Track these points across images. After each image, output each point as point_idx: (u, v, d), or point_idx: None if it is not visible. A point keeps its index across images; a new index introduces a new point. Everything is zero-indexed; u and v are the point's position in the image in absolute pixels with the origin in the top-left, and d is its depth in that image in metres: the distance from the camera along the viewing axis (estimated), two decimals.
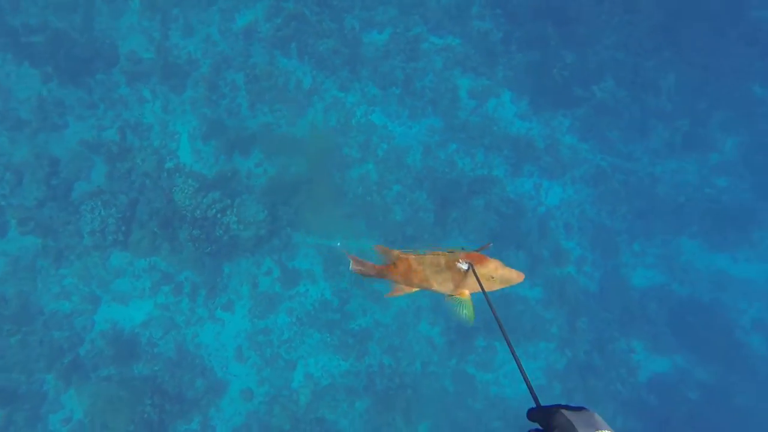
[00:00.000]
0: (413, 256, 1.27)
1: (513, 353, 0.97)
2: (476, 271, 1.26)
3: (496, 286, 1.29)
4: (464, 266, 1.26)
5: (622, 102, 5.52)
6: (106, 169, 4.53)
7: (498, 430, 4.68)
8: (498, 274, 1.28)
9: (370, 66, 5.41)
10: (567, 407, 0.88)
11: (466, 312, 1.27)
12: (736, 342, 5.37)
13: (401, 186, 5.09)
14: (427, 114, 5.44)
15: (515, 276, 1.27)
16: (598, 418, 0.86)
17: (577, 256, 5.31)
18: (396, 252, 1.29)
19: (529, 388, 0.92)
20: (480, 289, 1.26)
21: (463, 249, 1.29)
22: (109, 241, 4.33)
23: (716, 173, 5.76)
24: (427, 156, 5.28)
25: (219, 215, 4.38)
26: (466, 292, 1.30)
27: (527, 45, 5.43)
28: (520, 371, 0.94)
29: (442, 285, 1.31)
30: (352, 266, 1.31)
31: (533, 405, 0.90)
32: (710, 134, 5.76)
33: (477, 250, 1.29)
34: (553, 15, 5.46)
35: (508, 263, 1.31)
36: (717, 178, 5.77)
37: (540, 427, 0.89)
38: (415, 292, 1.39)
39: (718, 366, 5.26)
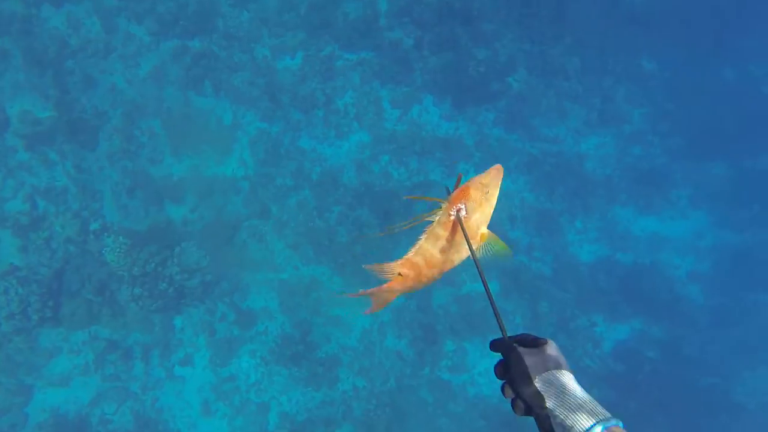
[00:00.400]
0: (411, 255, 1.14)
1: (483, 281, 0.95)
2: (469, 205, 1.13)
3: (495, 192, 1.17)
4: (456, 213, 1.12)
5: (537, 89, 5.82)
6: (19, 242, 4.20)
7: (482, 429, 4.71)
8: (485, 185, 1.17)
9: (288, 92, 5.39)
10: (526, 341, 0.89)
11: (498, 247, 1.15)
12: (677, 296, 5.73)
13: (341, 206, 5.07)
14: (353, 130, 5.47)
15: (495, 173, 1.18)
16: (552, 354, 0.88)
17: (526, 243, 5.49)
18: (392, 264, 1.14)
19: (497, 318, 0.91)
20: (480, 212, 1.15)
21: (442, 198, 1.16)
22: (35, 321, 4.00)
23: (631, 143, 6.16)
24: (362, 172, 5.30)
25: (159, 268, 4.16)
26: (483, 230, 1.16)
27: (439, 47, 5.61)
28: (488, 295, 0.92)
29: (460, 250, 1.15)
30: (372, 308, 1.17)
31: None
32: (619, 108, 6.17)
33: (455, 189, 1.17)
34: (458, 16, 5.68)
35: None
36: (632, 147, 6.18)
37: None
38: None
39: (667, 322, 5.59)
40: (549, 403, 0.84)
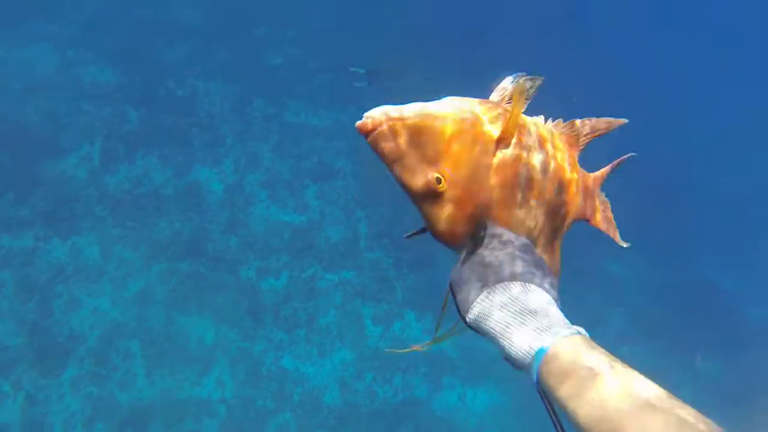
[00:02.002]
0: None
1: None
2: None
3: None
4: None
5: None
6: None
7: None
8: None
9: (271, 312, 5.63)
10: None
11: None
12: None
13: (324, 430, 4.91)
14: (336, 348, 5.58)
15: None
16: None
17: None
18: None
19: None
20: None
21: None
22: None
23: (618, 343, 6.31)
24: (345, 391, 5.26)
25: None
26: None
27: (417, 265, 6.10)
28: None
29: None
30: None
31: None
32: (597, 311, 6.49)
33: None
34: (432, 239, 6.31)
35: None
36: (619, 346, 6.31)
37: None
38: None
39: None
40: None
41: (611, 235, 0.86)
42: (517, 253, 0.68)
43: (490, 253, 0.69)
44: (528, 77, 0.70)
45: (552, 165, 0.73)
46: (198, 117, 6.97)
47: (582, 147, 0.79)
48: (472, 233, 0.71)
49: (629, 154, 0.88)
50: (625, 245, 0.87)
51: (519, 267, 0.67)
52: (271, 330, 5.48)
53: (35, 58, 6.74)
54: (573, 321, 0.66)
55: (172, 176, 6.30)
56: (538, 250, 0.75)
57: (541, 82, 0.70)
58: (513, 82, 0.73)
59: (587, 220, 0.85)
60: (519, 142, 0.70)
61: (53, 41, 6.96)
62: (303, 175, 6.69)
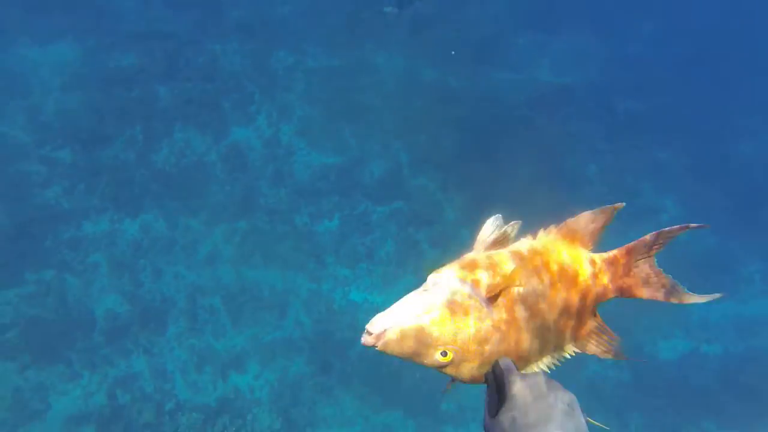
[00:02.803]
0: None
1: None
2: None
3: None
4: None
5: (562, 201, 6.36)
6: None
7: None
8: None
9: (332, 252, 6.04)
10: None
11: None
12: None
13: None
14: (399, 276, 5.97)
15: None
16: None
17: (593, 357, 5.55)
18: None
19: None
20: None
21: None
22: None
23: None
24: None
25: None
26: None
27: (463, 185, 6.34)
28: None
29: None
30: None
31: None
32: (649, 200, 6.59)
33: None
34: (475, 153, 6.51)
35: None
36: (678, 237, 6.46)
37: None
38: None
39: None
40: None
41: (678, 300, 0.90)
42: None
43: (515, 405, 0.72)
44: (511, 223, 0.84)
45: (545, 289, 0.80)
46: (223, 80, 7.22)
47: (590, 240, 0.85)
48: (493, 370, 0.78)
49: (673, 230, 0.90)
50: (707, 299, 0.91)
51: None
52: (335, 268, 5.91)
53: (62, 51, 7.08)
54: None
55: (212, 142, 6.65)
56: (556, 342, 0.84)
57: (519, 225, 0.84)
58: (493, 230, 0.85)
59: (631, 296, 0.89)
60: (509, 293, 0.78)
61: (73, 33, 7.26)
62: (335, 116, 6.91)
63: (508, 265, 0.80)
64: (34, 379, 4.83)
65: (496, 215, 0.88)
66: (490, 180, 6.55)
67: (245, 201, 6.21)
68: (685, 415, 5.23)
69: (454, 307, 0.77)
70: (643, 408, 5.17)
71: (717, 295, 0.90)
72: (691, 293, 0.92)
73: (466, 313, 0.77)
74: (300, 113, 6.93)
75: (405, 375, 5.15)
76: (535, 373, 0.74)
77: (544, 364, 0.83)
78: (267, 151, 6.60)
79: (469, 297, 0.78)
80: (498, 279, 0.78)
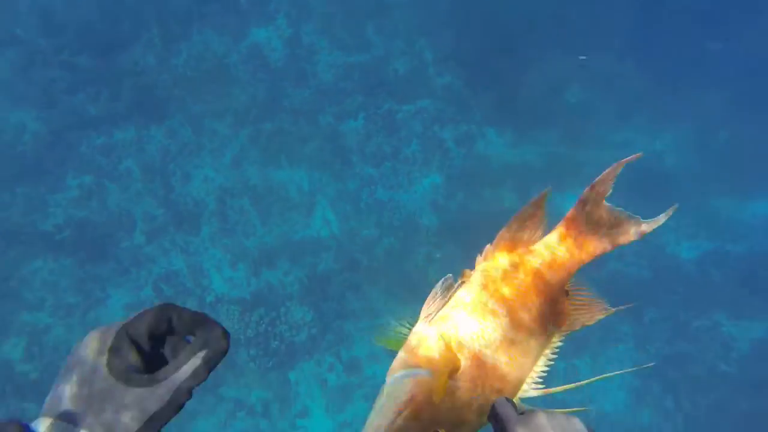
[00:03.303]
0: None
1: None
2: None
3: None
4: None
5: (595, 99, 6.23)
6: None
7: None
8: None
9: (357, 151, 6.11)
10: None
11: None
12: None
13: (426, 246, 5.57)
14: (424, 174, 6.05)
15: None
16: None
17: (615, 251, 5.66)
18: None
19: None
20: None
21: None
22: None
23: (713, 128, 6.30)
24: (440, 211, 5.81)
25: (270, 328, 4.79)
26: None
27: (489, 81, 6.21)
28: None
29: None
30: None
31: None
32: (689, 95, 6.39)
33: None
34: (498, 49, 6.32)
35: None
36: (716, 132, 6.31)
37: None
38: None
39: None
40: None
41: (640, 233, 0.90)
42: None
43: None
44: (459, 280, 0.82)
45: (505, 321, 0.78)
46: None
47: (534, 237, 0.84)
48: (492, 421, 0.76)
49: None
50: (665, 218, 0.89)
51: None
52: (361, 167, 6.01)
53: None
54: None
55: (232, 44, 6.57)
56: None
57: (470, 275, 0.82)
58: (441, 290, 0.82)
59: (598, 256, 0.89)
60: (469, 363, 0.76)
61: None
62: (357, 13, 6.70)
63: (456, 327, 0.78)
64: (92, 272, 5.26)
65: (446, 277, 0.83)
66: (516, 77, 6.40)
67: (269, 102, 6.24)
68: (699, 308, 5.40)
69: (417, 400, 0.73)
70: (658, 303, 5.35)
71: (673, 208, 0.87)
72: (651, 220, 0.89)
73: (431, 396, 0.73)
74: (320, 10, 6.72)
75: (430, 271, 5.38)
76: (534, 414, 0.69)
77: (540, 368, 0.81)
78: (288, 50, 6.51)
79: (429, 379, 0.74)
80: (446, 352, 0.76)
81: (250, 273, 5.34)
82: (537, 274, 0.83)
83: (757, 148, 6.08)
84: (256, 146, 6.00)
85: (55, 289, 5.15)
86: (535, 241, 0.86)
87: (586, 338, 5.09)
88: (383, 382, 0.76)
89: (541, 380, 0.82)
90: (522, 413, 0.70)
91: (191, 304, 5.04)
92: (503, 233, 0.85)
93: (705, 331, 5.38)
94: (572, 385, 0.81)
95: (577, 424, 0.69)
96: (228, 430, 4.74)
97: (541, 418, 0.68)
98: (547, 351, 0.83)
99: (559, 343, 0.84)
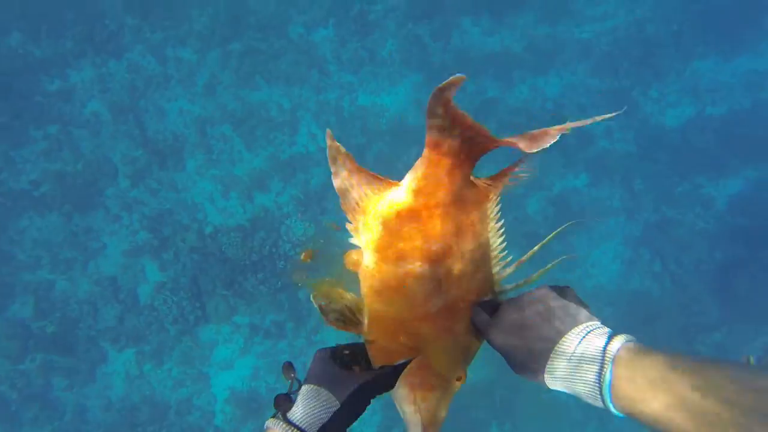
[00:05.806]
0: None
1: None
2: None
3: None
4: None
5: None
6: (157, 263, 5.15)
7: (611, 316, 5.12)
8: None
9: (333, 60, 5.99)
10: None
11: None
12: None
13: (416, 146, 5.62)
14: (405, 74, 5.99)
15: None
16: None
17: (603, 129, 5.78)
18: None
19: None
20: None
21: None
22: (192, 322, 4.93)
23: None
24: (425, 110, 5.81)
25: (274, 249, 4.95)
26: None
27: None
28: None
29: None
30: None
31: None
32: None
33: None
34: None
35: None
36: None
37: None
38: None
39: None
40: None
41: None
42: None
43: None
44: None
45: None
46: None
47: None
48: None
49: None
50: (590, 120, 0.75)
51: None
52: (339, 76, 5.92)
53: None
54: None
55: None
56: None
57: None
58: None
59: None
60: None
61: None
62: None
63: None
64: (81, 224, 5.30)
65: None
66: None
67: (233, 20, 6.01)
68: (681, 174, 5.61)
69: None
70: (644, 173, 5.54)
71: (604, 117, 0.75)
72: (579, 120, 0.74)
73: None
74: None
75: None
76: (503, 312, 0.75)
77: (496, 244, 0.83)
78: None
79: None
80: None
81: (244, 199, 5.42)
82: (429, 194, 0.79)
83: (737, 5, 6.03)
84: (227, 69, 5.85)
85: (48, 245, 5.21)
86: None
87: (580, 216, 5.31)
88: None
89: (506, 253, 0.82)
90: (496, 310, 0.75)
91: (191, 239, 5.16)
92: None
93: (686, 195, 5.62)
94: (547, 267, 0.84)
95: (547, 292, 0.73)
96: (247, 355, 5.03)
97: (511, 313, 0.72)
98: (490, 223, 0.80)
99: (496, 209, 0.81)
